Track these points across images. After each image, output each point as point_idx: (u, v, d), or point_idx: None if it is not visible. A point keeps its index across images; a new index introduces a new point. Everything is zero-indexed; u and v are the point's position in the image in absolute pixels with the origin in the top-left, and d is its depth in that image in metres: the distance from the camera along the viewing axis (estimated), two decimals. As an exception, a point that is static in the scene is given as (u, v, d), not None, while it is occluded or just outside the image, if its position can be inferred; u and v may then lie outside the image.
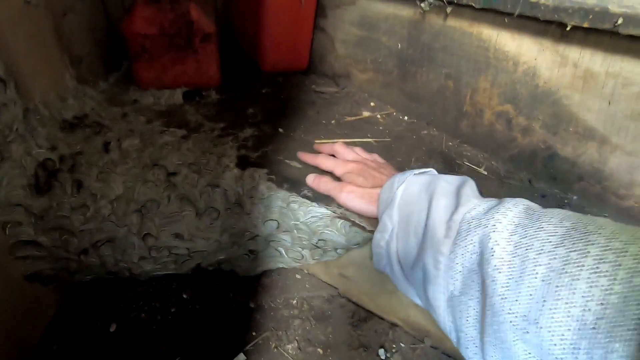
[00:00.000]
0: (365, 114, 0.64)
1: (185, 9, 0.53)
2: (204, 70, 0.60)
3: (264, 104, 0.63)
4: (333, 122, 0.60)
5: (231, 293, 0.56)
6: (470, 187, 0.33)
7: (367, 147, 0.54)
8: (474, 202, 0.29)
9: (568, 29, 0.39)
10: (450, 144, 0.58)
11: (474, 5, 0.47)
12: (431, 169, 0.39)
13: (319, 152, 0.49)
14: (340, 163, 0.44)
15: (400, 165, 0.50)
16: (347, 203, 0.40)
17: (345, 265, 0.47)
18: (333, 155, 0.48)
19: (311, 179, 0.43)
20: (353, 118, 0.62)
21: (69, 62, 0.54)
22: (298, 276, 0.56)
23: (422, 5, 0.54)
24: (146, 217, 0.45)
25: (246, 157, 0.48)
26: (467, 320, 0.27)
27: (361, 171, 0.42)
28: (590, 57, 0.40)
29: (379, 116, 0.64)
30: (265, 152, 0.50)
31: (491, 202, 0.29)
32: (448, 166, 0.51)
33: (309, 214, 0.43)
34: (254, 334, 0.48)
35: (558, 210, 0.26)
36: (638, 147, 0.40)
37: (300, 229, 0.44)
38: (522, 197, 0.29)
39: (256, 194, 0.45)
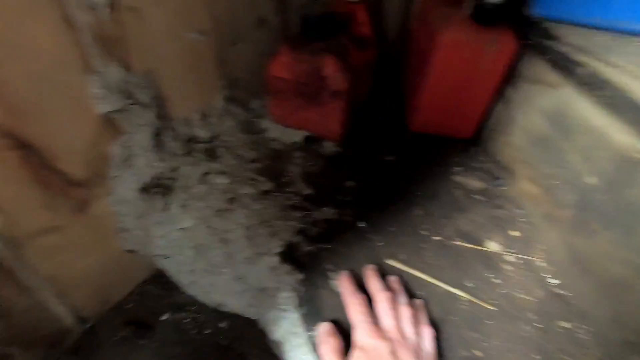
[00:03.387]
0: (491, 246, 0.45)
1: (321, 63, 0.49)
2: (325, 123, 0.55)
3: (371, 178, 0.54)
4: (437, 238, 0.46)
5: (257, 349, 0.55)
6: None
7: (452, 306, 0.39)
8: None
9: None
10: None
11: None
12: None
13: (372, 278, 0.39)
14: (363, 328, 0.33)
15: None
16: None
17: None
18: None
19: (320, 332, 0.34)
20: (468, 245, 0.45)
21: (224, 85, 0.60)
22: None
23: (649, 147, 0.31)
24: (197, 257, 0.47)
25: (295, 248, 0.43)
26: None
27: (373, 356, 0.30)
28: None
29: (510, 259, 0.44)
30: (320, 250, 0.43)
31: None
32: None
33: (301, 362, 0.35)
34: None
35: None
36: None
37: (294, 365, 0.37)
38: None
39: (275, 297, 0.40)
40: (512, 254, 0.45)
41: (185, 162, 0.54)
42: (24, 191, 0.40)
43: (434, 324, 0.36)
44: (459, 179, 0.55)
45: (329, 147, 0.58)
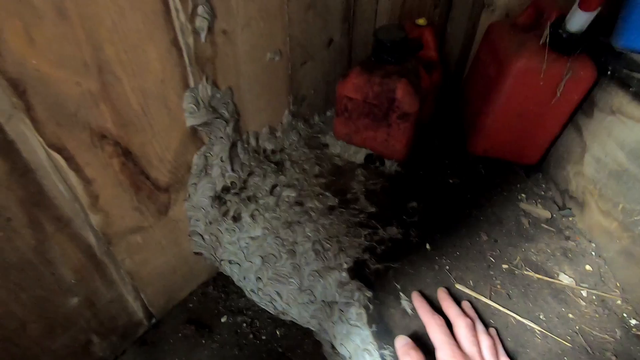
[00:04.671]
0: (564, 280, 0.44)
1: (393, 86, 0.51)
2: (391, 144, 0.57)
3: (435, 200, 0.54)
4: (505, 267, 0.46)
5: (309, 360, 0.56)
6: None
7: (525, 338, 0.38)
8: None
9: None
10: None
11: None
12: None
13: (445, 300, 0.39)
14: (447, 350, 0.33)
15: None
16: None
17: None
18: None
19: (399, 345, 0.35)
20: (539, 276, 0.44)
21: (292, 101, 0.63)
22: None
23: None
24: (264, 265, 0.50)
25: (363, 265, 0.44)
26: None
27: None
28: None
29: (584, 294, 0.43)
30: (388, 268, 0.44)
31: None
32: None
33: (373, 381, 0.36)
34: None
35: None
36: None
37: (363, 384, 0.38)
38: None
39: (346, 313, 0.41)
40: (586, 289, 0.43)
41: (255, 173, 0.57)
42: (120, 194, 0.44)
43: (509, 356, 0.36)
44: (524, 206, 0.54)
45: (391, 166, 0.60)
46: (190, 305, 0.63)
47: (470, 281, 0.43)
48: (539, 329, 0.39)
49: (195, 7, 0.41)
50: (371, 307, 0.40)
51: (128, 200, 0.46)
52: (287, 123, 0.64)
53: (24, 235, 0.37)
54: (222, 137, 0.52)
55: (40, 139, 0.34)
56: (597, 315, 0.41)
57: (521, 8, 0.68)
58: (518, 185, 0.59)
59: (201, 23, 0.42)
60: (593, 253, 0.48)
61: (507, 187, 0.58)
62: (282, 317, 0.52)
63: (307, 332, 0.58)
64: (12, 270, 0.38)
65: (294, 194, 0.54)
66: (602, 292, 0.43)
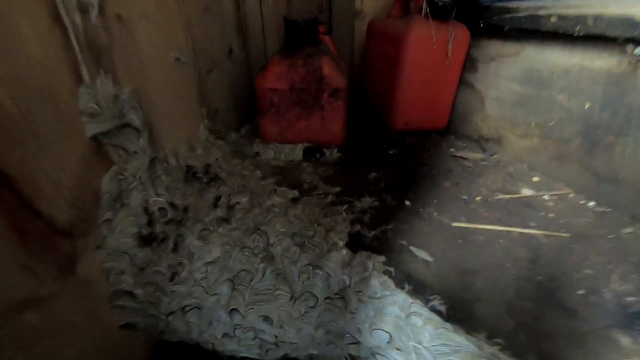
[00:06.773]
0: (526, 192, 0.47)
1: (317, 64, 0.50)
2: (328, 128, 0.55)
3: (390, 168, 0.53)
4: (478, 199, 0.46)
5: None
6: None
7: (533, 243, 0.38)
8: None
9: None
10: (682, 257, 0.36)
11: None
12: None
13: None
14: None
15: (592, 285, 0.32)
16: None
17: None
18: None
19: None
20: (507, 196, 0.46)
21: (205, 115, 0.55)
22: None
23: (637, 51, 0.37)
24: (236, 290, 0.38)
25: (359, 236, 0.38)
26: None
27: None
28: None
29: (546, 197, 0.46)
30: (384, 231, 0.39)
31: None
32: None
33: (437, 339, 0.29)
34: None
35: None
36: None
37: (421, 355, 0.30)
38: None
39: (366, 290, 0.34)
40: (546, 194, 0.47)
41: (190, 190, 0.46)
42: (-4, 245, 0.28)
43: (534, 260, 0.35)
44: (461, 154, 0.58)
45: (332, 154, 0.57)
46: (131, 408, 0.43)
47: (462, 217, 0.42)
48: (541, 232, 0.39)
49: (78, -26, 0.32)
50: (391, 270, 0.34)
51: (10, 255, 0.30)
52: (206, 139, 0.56)
53: None
54: (136, 152, 0.41)
55: None
56: (567, 210, 0.44)
57: (385, 11, 0.79)
58: (443, 144, 0.64)
59: (88, -2, 0.34)
60: (530, 169, 0.53)
61: (436, 147, 0.62)
62: (271, 354, 0.40)
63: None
64: None
65: (245, 198, 0.45)
66: (558, 192, 0.47)
